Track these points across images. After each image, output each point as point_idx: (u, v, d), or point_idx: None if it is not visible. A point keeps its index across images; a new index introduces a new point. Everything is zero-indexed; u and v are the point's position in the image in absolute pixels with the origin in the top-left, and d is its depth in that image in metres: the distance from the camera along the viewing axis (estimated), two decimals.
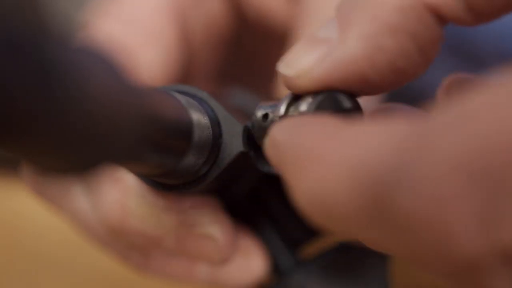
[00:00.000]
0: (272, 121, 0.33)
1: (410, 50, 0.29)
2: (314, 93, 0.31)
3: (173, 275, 0.39)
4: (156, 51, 0.41)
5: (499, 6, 0.29)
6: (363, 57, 0.29)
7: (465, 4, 0.29)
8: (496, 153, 0.21)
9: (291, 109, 0.32)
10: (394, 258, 0.41)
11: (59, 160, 0.23)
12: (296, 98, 0.32)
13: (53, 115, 0.21)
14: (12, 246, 0.63)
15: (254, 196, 0.40)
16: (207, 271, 0.39)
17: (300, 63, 0.30)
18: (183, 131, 0.31)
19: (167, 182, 0.34)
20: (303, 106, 0.31)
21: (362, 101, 0.33)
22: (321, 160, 0.26)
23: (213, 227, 0.37)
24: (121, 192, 0.37)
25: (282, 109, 0.32)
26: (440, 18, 0.29)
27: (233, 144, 0.34)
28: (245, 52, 0.49)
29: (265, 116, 0.33)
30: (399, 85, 0.31)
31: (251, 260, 0.39)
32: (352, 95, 0.31)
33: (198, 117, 0.32)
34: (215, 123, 0.34)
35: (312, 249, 0.41)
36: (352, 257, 0.39)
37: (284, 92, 0.39)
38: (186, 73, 0.44)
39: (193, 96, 0.34)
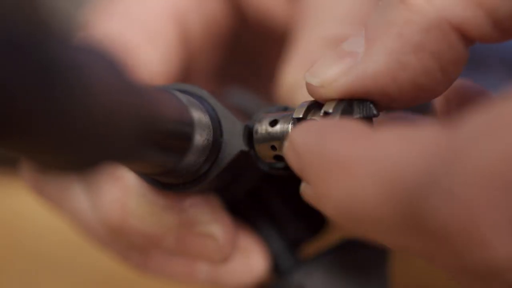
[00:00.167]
0: (283, 126, 0.33)
1: (432, 68, 0.30)
2: (336, 100, 0.32)
3: (173, 274, 0.39)
4: (157, 50, 0.41)
5: None
6: (386, 72, 0.30)
7: (491, 22, 0.29)
8: None
9: (310, 114, 0.32)
10: (394, 258, 0.41)
11: (59, 158, 0.23)
12: (316, 104, 0.33)
13: (53, 114, 0.21)
14: (12, 246, 0.63)
15: (254, 195, 0.40)
16: (207, 270, 0.39)
17: (325, 74, 0.31)
18: (184, 130, 0.31)
19: (167, 181, 0.34)
20: (328, 108, 0.32)
21: None
22: (352, 166, 0.26)
23: (213, 226, 0.37)
24: (121, 191, 0.37)
25: (301, 113, 0.32)
26: (466, 37, 0.30)
27: (234, 143, 0.34)
28: (245, 51, 0.49)
29: (274, 122, 0.33)
30: (420, 101, 0.31)
31: (251, 259, 0.39)
32: (376, 104, 0.32)
33: (199, 116, 0.32)
34: (216, 122, 0.34)
35: (312, 248, 0.41)
36: (352, 256, 0.39)
37: (283, 92, 0.39)
38: (186, 72, 0.44)
39: (193, 95, 0.34)
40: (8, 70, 0.20)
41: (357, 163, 0.26)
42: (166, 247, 0.38)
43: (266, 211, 0.40)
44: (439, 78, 0.30)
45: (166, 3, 0.43)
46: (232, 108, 0.35)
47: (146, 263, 0.40)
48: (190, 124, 0.31)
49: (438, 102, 0.35)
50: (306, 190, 0.31)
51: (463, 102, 0.34)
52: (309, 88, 0.32)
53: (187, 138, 0.31)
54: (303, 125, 0.30)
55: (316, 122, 0.31)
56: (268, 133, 0.33)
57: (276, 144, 0.34)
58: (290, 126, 0.33)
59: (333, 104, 0.32)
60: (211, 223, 0.37)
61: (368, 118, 0.32)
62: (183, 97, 0.32)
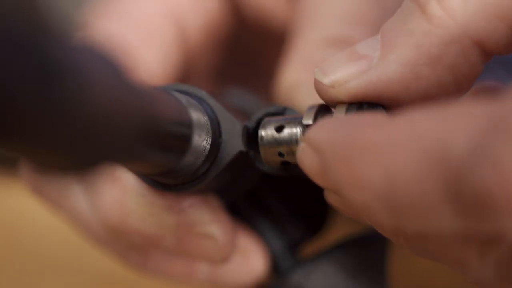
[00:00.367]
0: (291, 132, 0.33)
1: (446, 81, 0.30)
2: (345, 103, 0.32)
3: (172, 274, 0.39)
4: (155, 51, 0.41)
5: None
6: (399, 81, 0.30)
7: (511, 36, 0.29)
8: None
9: (319, 118, 0.32)
10: (393, 258, 0.41)
11: (59, 159, 0.23)
12: (323, 108, 0.32)
13: (52, 115, 0.21)
14: (12, 246, 0.63)
15: (253, 196, 0.40)
16: (206, 271, 0.39)
17: (337, 74, 0.31)
18: (182, 131, 0.31)
19: (166, 181, 0.34)
20: (340, 112, 0.32)
21: None
22: (390, 149, 0.26)
23: (212, 226, 0.37)
24: (120, 192, 0.37)
25: (310, 118, 0.32)
26: (485, 52, 0.30)
27: (233, 143, 0.34)
28: (244, 52, 0.49)
29: (280, 127, 0.33)
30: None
31: (251, 259, 0.39)
32: (384, 107, 0.32)
33: (197, 116, 0.32)
34: (215, 123, 0.34)
35: (311, 248, 0.41)
36: (351, 257, 0.39)
37: (282, 92, 0.39)
38: (185, 73, 0.44)
39: (192, 96, 0.34)
40: (7, 70, 0.20)
41: (397, 144, 0.26)
42: (166, 247, 0.38)
43: (265, 211, 0.40)
44: (451, 90, 0.30)
45: (164, 3, 0.43)
46: (231, 109, 0.35)
47: (146, 263, 0.40)
48: (188, 124, 0.31)
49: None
50: (330, 194, 0.31)
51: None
52: (318, 86, 0.32)
53: (186, 138, 0.31)
54: (321, 124, 0.30)
55: (335, 119, 0.30)
56: (275, 139, 0.33)
57: (283, 150, 0.33)
58: (298, 131, 0.33)
59: (343, 108, 0.31)
60: (211, 224, 0.37)
61: None
62: (182, 98, 0.32)
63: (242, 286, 0.40)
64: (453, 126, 0.25)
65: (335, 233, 0.43)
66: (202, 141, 0.32)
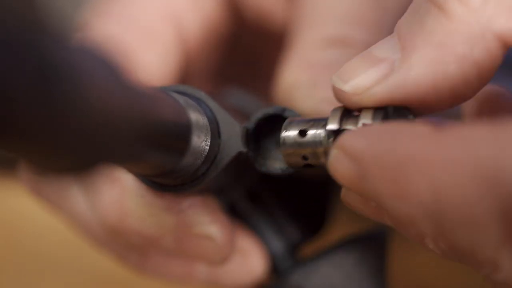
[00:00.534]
0: (315, 136, 0.32)
1: (471, 76, 0.30)
2: (372, 108, 0.31)
3: (171, 275, 0.39)
4: (154, 52, 0.41)
5: None
6: (427, 82, 0.30)
7: None
8: None
9: (343, 123, 0.32)
10: (392, 258, 0.41)
11: (58, 159, 0.23)
12: (347, 112, 0.32)
13: (51, 116, 0.21)
14: (12, 246, 0.63)
15: (252, 196, 0.40)
16: (206, 271, 0.39)
17: (358, 80, 0.31)
18: (181, 131, 0.31)
19: (165, 182, 0.34)
20: (366, 118, 0.31)
21: None
22: (440, 163, 0.26)
23: (211, 227, 0.37)
24: (119, 192, 0.37)
25: (336, 122, 0.32)
26: (505, 45, 0.30)
27: (232, 144, 0.34)
28: (243, 52, 0.49)
29: (303, 132, 0.33)
30: (451, 107, 0.31)
31: (250, 260, 0.39)
32: (410, 109, 0.32)
33: (196, 117, 0.32)
34: (214, 123, 0.34)
35: (311, 249, 0.41)
36: (351, 257, 0.39)
37: (281, 93, 0.39)
38: (184, 74, 0.44)
39: (191, 96, 0.34)
40: (5, 71, 0.20)
41: (448, 160, 0.26)
42: (165, 248, 0.38)
43: (265, 212, 0.40)
44: (475, 84, 0.30)
45: (163, 4, 0.43)
46: (230, 109, 0.35)
47: (145, 263, 0.40)
48: (187, 125, 0.31)
49: (468, 106, 0.35)
50: (350, 195, 0.31)
51: (495, 106, 0.34)
52: (339, 93, 0.32)
53: (185, 139, 0.31)
54: (359, 132, 0.30)
55: (373, 128, 0.30)
56: (298, 144, 0.33)
57: (307, 153, 0.33)
58: (322, 135, 0.32)
59: (369, 114, 0.31)
60: (210, 224, 0.37)
61: None
62: (180, 99, 0.32)
63: (241, 286, 0.40)
64: (508, 145, 0.25)
65: (335, 233, 0.43)
66: (201, 142, 0.32)
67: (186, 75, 0.44)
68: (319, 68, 0.38)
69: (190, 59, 0.44)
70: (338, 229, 0.45)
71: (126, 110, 0.24)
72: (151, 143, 0.29)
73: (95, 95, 0.22)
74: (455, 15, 0.30)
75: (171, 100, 0.31)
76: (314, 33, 0.40)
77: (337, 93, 0.32)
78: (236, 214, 0.40)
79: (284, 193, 0.41)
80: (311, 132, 0.33)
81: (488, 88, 0.33)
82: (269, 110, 0.35)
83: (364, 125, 0.31)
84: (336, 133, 0.32)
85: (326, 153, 0.32)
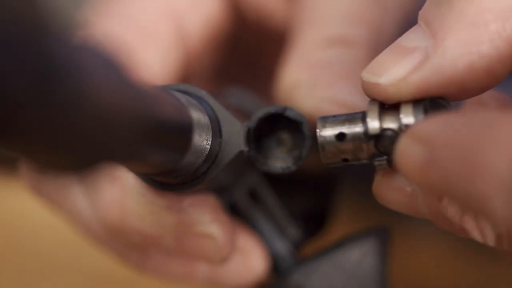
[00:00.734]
0: (354, 136, 0.32)
1: (505, 55, 0.30)
2: (408, 101, 0.31)
3: (172, 274, 0.39)
4: (155, 50, 0.41)
5: None
6: (464, 63, 0.30)
7: None
8: None
9: (383, 120, 0.31)
10: (393, 258, 0.41)
11: (59, 158, 0.23)
12: (382, 107, 0.32)
13: (52, 114, 0.21)
14: (12, 246, 0.63)
15: (253, 195, 0.40)
16: (206, 270, 0.39)
17: (393, 72, 0.31)
18: (183, 130, 0.31)
19: (166, 181, 0.34)
20: (406, 113, 0.31)
21: None
22: None
23: (212, 226, 0.37)
24: (120, 191, 0.37)
25: (376, 123, 0.31)
26: None
27: (233, 143, 0.34)
28: (244, 52, 0.49)
29: (341, 136, 0.32)
30: (487, 90, 0.31)
31: (251, 259, 0.39)
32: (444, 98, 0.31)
33: (198, 116, 0.32)
34: (215, 122, 0.34)
35: (311, 248, 0.41)
36: (351, 256, 0.39)
37: (282, 92, 0.39)
38: (185, 73, 0.44)
39: (193, 95, 0.34)
40: (6, 70, 0.20)
41: None
42: (165, 247, 0.38)
43: (265, 211, 0.40)
44: (509, 63, 0.30)
45: (164, 4, 0.43)
46: (231, 108, 0.35)
47: (145, 262, 0.40)
48: (189, 124, 0.31)
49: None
50: (385, 186, 0.31)
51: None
52: (373, 87, 0.31)
53: (186, 138, 0.31)
54: (431, 120, 0.29)
55: (444, 116, 0.29)
56: (339, 149, 0.32)
57: (348, 156, 0.32)
58: (362, 136, 0.32)
59: (409, 108, 0.31)
60: (210, 223, 0.37)
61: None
62: (182, 97, 0.32)
63: (242, 286, 0.40)
64: None
65: (335, 233, 0.43)
66: (202, 140, 0.32)
67: (187, 74, 0.44)
68: (320, 68, 0.38)
69: (191, 58, 0.44)
70: (339, 229, 0.45)
71: (128, 108, 0.24)
72: (152, 142, 0.29)
73: (97, 94, 0.22)
74: None
75: (172, 98, 0.31)
76: (314, 33, 0.40)
77: (371, 88, 0.31)
78: (237, 213, 0.40)
79: (285, 193, 0.41)
80: (350, 134, 0.32)
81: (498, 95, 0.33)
82: (270, 109, 0.35)
83: (406, 126, 0.31)
84: (377, 135, 0.31)
85: (367, 153, 0.32)
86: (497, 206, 0.26)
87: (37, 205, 0.45)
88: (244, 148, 0.34)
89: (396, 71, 0.31)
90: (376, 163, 0.32)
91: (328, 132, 0.32)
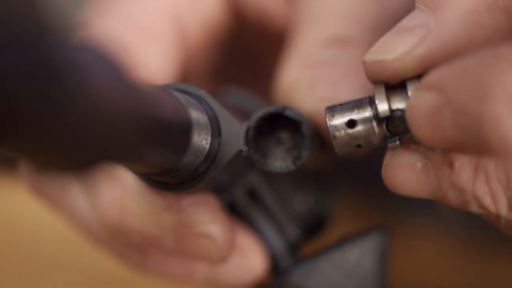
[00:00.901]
0: (365, 123, 0.32)
1: (504, 25, 0.31)
2: (412, 78, 0.31)
3: (171, 274, 0.39)
4: (155, 50, 0.41)
5: None
6: (464, 34, 0.30)
7: None
8: None
9: (391, 101, 0.31)
10: (392, 257, 0.41)
11: (58, 157, 0.23)
12: (389, 88, 0.32)
13: (51, 114, 0.21)
14: (12, 246, 0.63)
15: (253, 195, 0.40)
16: (206, 270, 0.39)
17: (397, 48, 0.31)
18: (182, 130, 0.31)
19: (166, 181, 0.34)
20: (413, 88, 0.31)
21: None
22: None
23: (211, 225, 0.37)
24: (120, 191, 0.37)
25: (385, 104, 0.31)
26: None
27: (232, 142, 0.34)
28: (244, 51, 0.49)
29: (351, 122, 0.32)
30: None
31: (250, 259, 0.39)
32: None
33: (197, 115, 0.32)
34: (214, 122, 0.34)
35: (311, 248, 0.41)
36: (351, 256, 0.39)
37: (282, 91, 0.39)
38: (184, 72, 0.44)
39: (192, 95, 0.34)
40: (6, 70, 0.20)
41: None
42: (165, 247, 0.38)
43: (265, 211, 0.40)
44: (508, 35, 0.31)
45: (163, 3, 0.43)
46: (231, 108, 0.35)
47: (145, 263, 0.40)
48: (188, 124, 0.31)
49: None
50: (397, 161, 0.32)
51: None
52: (379, 65, 0.31)
53: (186, 138, 0.31)
54: (439, 68, 0.30)
55: (458, 58, 0.30)
56: (351, 136, 0.32)
57: (361, 142, 0.32)
58: (373, 120, 0.32)
59: (415, 83, 0.31)
60: (210, 223, 0.37)
61: None
62: (181, 97, 0.32)
63: (241, 286, 0.40)
64: None
65: (335, 233, 0.43)
66: (201, 140, 0.32)
67: (187, 74, 0.44)
68: (319, 68, 0.38)
69: (190, 58, 0.44)
70: (339, 229, 0.45)
71: (127, 108, 0.24)
72: (152, 142, 0.29)
73: (96, 94, 0.22)
74: None
75: (172, 98, 0.31)
76: (314, 32, 0.40)
77: (376, 67, 0.32)
78: (236, 212, 0.40)
79: (284, 192, 0.41)
80: (360, 120, 0.32)
81: None
82: (270, 108, 0.35)
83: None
84: (387, 116, 0.31)
85: (379, 136, 0.32)
86: (510, 128, 0.26)
87: (37, 205, 0.45)
88: (243, 147, 0.34)
89: (400, 46, 0.31)
90: (389, 144, 0.32)
91: (338, 121, 0.32)
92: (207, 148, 0.33)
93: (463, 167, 0.31)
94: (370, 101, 0.32)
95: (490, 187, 0.30)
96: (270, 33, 0.47)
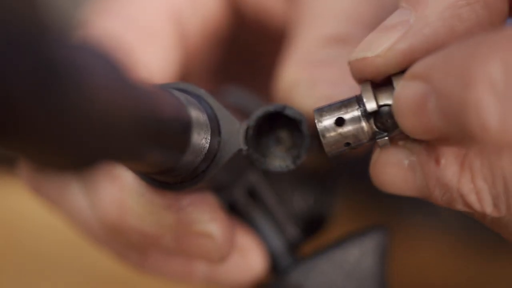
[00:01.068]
0: (354, 122, 0.32)
1: (484, 19, 0.31)
2: (396, 73, 0.31)
3: (171, 273, 0.39)
4: (155, 49, 0.41)
5: None
6: (444, 28, 0.31)
7: None
8: None
9: (379, 98, 0.32)
10: (392, 257, 0.41)
11: (58, 157, 0.23)
12: (375, 86, 0.32)
13: (52, 113, 0.21)
14: (12, 246, 0.63)
15: (252, 195, 0.40)
16: (205, 269, 0.39)
17: (379, 45, 0.32)
18: (182, 129, 0.31)
19: (165, 180, 0.34)
20: (398, 83, 0.31)
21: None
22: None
23: (211, 225, 0.37)
24: (119, 190, 0.37)
25: (372, 100, 0.32)
26: None
27: (232, 142, 0.34)
28: (243, 51, 0.49)
29: (340, 121, 0.32)
30: None
31: (249, 258, 0.39)
32: None
33: (197, 114, 0.32)
34: (214, 121, 0.34)
35: (310, 247, 0.41)
36: (350, 255, 0.39)
37: (281, 90, 0.39)
38: (184, 71, 0.44)
39: (191, 94, 0.34)
40: (5, 70, 0.20)
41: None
42: (164, 246, 0.38)
43: (265, 210, 0.40)
44: (488, 28, 0.31)
45: (163, 3, 0.43)
46: (230, 107, 0.35)
47: (145, 262, 0.40)
48: (188, 123, 0.31)
49: None
50: (384, 158, 0.32)
51: None
52: (361, 62, 0.32)
53: (185, 137, 0.31)
54: (423, 59, 0.30)
55: (443, 48, 0.30)
56: (340, 134, 0.32)
57: (350, 140, 0.32)
58: (361, 118, 0.32)
59: (400, 78, 0.31)
60: (209, 222, 0.37)
61: None
62: (181, 96, 0.32)
63: (241, 285, 0.40)
64: None
65: (334, 232, 0.43)
66: (201, 139, 0.32)
67: (186, 73, 0.44)
68: (319, 67, 0.38)
69: (190, 57, 0.44)
70: (338, 228, 0.45)
71: (127, 108, 0.24)
72: (151, 141, 0.29)
73: (95, 93, 0.22)
74: None
75: (171, 97, 0.31)
76: (313, 31, 0.40)
77: (359, 64, 0.32)
78: (236, 212, 0.40)
79: (283, 191, 0.41)
80: (348, 117, 0.32)
81: None
82: (269, 107, 0.35)
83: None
84: (375, 113, 0.32)
85: (368, 133, 0.32)
86: (491, 111, 0.26)
87: (37, 205, 0.45)
88: (243, 146, 0.34)
89: (382, 43, 0.31)
90: (378, 140, 0.32)
91: (326, 120, 0.33)
92: (207, 147, 0.33)
93: (449, 164, 0.31)
94: (358, 100, 0.32)
95: (475, 185, 0.31)
96: (269, 32, 0.47)
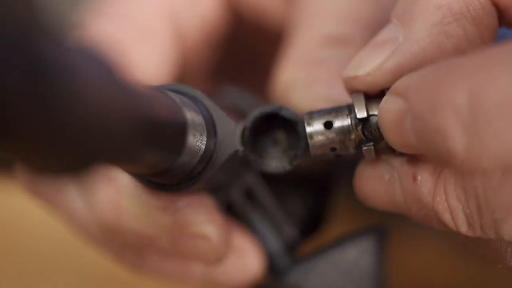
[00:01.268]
0: (343, 126, 0.33)
1: (473, 34, 0.31)
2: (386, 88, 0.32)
3: (168, 274, 0.39)
4: (151, 50, 0.41)
5: None
6: (432, 44, 0.31)
7: None
8: None
9: (369, 108, 0.33)
10: (390, 257, 0.41)
11: (53, 160, 0.23)
12: (367, 97, 0.33)
13: (45, 116, 0.21)
14: (12, 246, 0.63)
15: (249, 195, 0.40)
16: (202, 270, 0.39)
17: (369, 64, 0.32)
18: (177, 130, 0.31)
19: (162, 181, 0.34)
20: None
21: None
22: (475, 68, 0.27)
23: (207, 226, 0.37)
24: (115, 192, 0.37)
25: (362, 109, 0.32)
26: (497, 6, 0.31)
27: (228, 143, 0.34)
28: (241, 51, 0.49)
29: (329, 124, 0.33)
30: None
31: (246, 259, 0.39)
32: None
33: (192, 116, 0.32)
34: (210, 122, 0.34)
35: (308, 248, 0.41)
36: (349, 255, 0.39)
37: (279, 91, 0.39)
38: (181, 72, 0.44)
39: (187, 95, 0.34)
40: (0, 71, 0.20)
41: (483, 66, 0.27)
42: (161, 247, 0.38)
43: (262, 211, 0.40)
44: (478, 44, 0.31)
45: (160, 3, 0.43)
46: (226, 108, 0.35)
47: (141, 263, 0.40)
48: (183, 124, 0.31)
49: None
50: (366, 173, 0.32)
51: None
52: (353, 80, 0.33)
53: (181, 138, 0.31)
54: (404, 77, 0.30)
55: (422, 68, 0.30)
56: (327, 137, 0.33)
57: (336, 145, 0.33)
58: (350, 125, 0.33)
59: None
60: (205, 224, 0.37)
61: None
62: (176, 98, 0.32)
63: (238, 286, 0.40)
64: None
65: (333, 232, 0.43)
66: (197, 141, 0.32)
67: (184, 73, 0.44)
68: (317, 67, 0.38)
69: (187, 57, 0.44)
70: (338, 228, 0.45)
71: (121, 110, 0.24)
72: (146, 143, 0.28)
73: (89, 95, 0.22)
74: None
75: (166, 99, 0.31)
76: (311, 31, 0.40)
77: (351, 82, 0.33)
78: (233, 213, 0.40)
79: (281, 192, 0.41)
80: (337, 124, 0.33)
81: None
82: (266, 108, 0.35)
83: None
84: (364, 120, 0.32)
85: (355, 141, 0.33)
86: (456, 138, 0.27)
87: (37, 205, 0.45)
88: (239, 148, 0.34)
89: (372, 62, 0.32)
90: (364, 148, 0.33)
91: (315, 123, 0.33)
92: (203, 149, 0.33)
93: (425, 181, 0.31)
94: (349, 107, 0.33)
95: (448, 203, 0.31)
96: (267, 32, 0.47)
